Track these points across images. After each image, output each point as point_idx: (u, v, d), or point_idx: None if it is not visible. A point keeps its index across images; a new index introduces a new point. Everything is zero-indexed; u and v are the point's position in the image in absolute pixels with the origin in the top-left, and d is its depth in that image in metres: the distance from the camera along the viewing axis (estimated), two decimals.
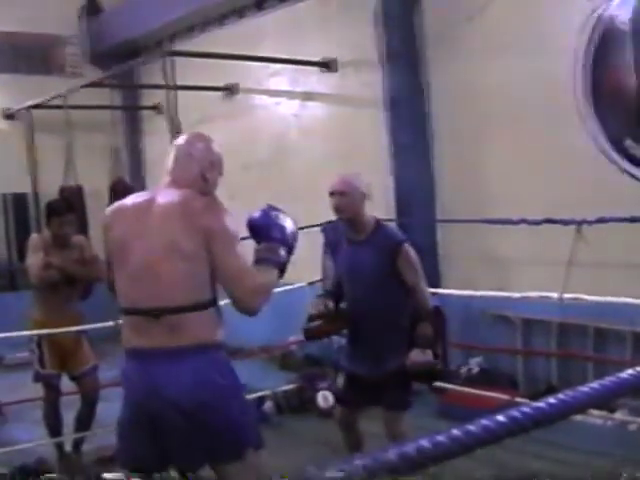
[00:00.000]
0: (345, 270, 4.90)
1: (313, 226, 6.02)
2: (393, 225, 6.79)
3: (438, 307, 4.93)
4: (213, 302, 3.34)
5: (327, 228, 5.10)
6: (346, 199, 4.74)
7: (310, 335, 5.03)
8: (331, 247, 5.08)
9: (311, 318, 4.89)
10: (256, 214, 3.56)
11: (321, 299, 4.93)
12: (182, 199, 3.32)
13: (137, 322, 3.33)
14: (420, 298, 4.75)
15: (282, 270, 3.47)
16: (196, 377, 3.24)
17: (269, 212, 3.57)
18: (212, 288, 3.33)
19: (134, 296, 3.34)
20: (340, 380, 5.13)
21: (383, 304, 4.72)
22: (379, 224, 4.88)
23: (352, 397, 4.98)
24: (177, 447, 3.32)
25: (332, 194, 4.78)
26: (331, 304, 4.85)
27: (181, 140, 3.60)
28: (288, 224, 3.54)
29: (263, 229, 3.49)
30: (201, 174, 3.46)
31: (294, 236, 3.55)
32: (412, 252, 4.79)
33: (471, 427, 1.58)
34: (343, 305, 4.91)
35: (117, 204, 3.57)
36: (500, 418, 1.62)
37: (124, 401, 3.46)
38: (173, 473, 3.47)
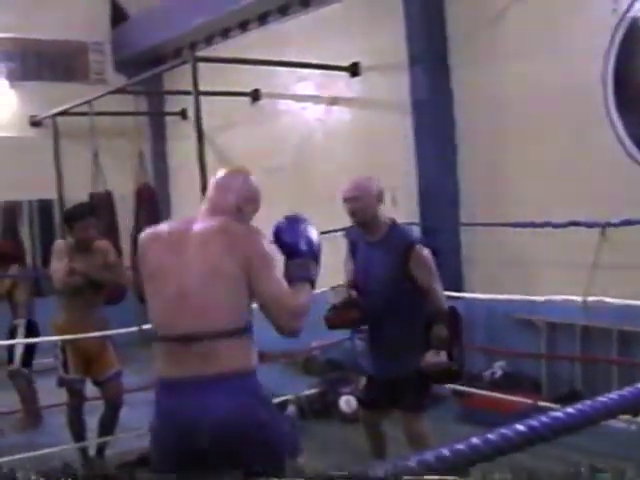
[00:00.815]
0: (361, 271, 4.91)
1: (336, 231, 6.03)
2: (414, 227, 6.79)
3: (453, 308, 4.90)
4: (248, 329, 3.32)
5: (349, 230, 5.10)
6: (360, 203, 4.75)
7: (333, 323, 4.98)
8: (352, 248, 5.08)
9: (334, 307, 4.89)
10: (283, 225, 3.55)
11: (343, 288, 4.93)
12: (221, 224, 3.33)
13: (171, 349, 3.29)
14: (434, 299, 4.74)
15: (313, 284, 3.45)
16: (231, 406, 3.20)
17: (296, 224, 3.56)
18: (248, 314, 3.32)
19: (169, 322, 3.31)
20: (362, 382, 5.16)
21: (397, 305, 4.73)
22: (394, 225, 4.88)
23: (373, 399, 5.00)
24: (215, 476, 3.24)
25: (345, 200, 4.80)
26: (354, 292, 4.86)
27: (221, 172, 3.62)
28: (314, 235, 3.53)
29: (292, 243, 3.47)
30: (237, 205, 3.47)
31: (320, 247, 3.54)
32: (425, 253, 4.78)
33: (491, 436, 1.59)
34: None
35: (153, 229, 3.53)
36: (520, 427, 1.63)
37: (157, 430, 3.39)
38: None
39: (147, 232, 3.52)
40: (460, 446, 1.55)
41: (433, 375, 4.71)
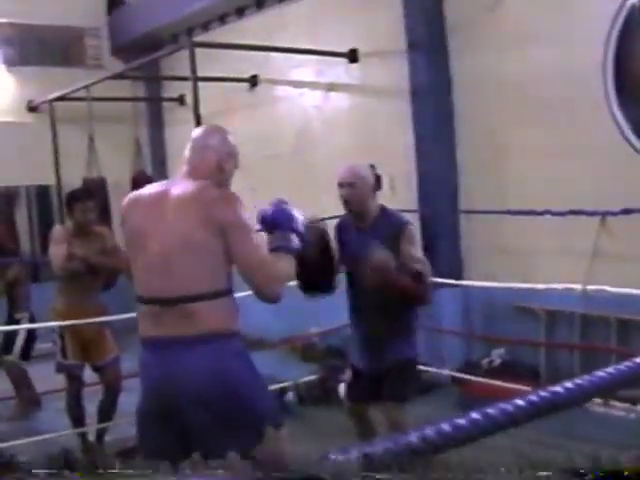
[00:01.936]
0: (350, 258, 4.87)
1: (335, 217, 6.01)
2: (412, 215, 6.76)
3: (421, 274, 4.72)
4: (228, 291, 3.37)
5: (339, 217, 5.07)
6: (355, 190, 4.73)
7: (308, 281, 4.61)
8: (338, 235, 5.02)
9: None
10: (267, 208, 3.60)
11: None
12: (196, 190, 3.37)
13: (153, 311, 3.36)
14: (415, 263, 4.61)
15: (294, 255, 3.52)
16: (212, 365, 3.27)
17: (278, 205, 3.61)
18: (227, 278, 3.37)
19: (150, 285, 3.38)
20: (348, 375, 5.15)
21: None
22: (384, 210, 4.86)
23: (359, 392, 5.00)
24: (197, 435, 3.34)
25: (341, 185, 4.77)
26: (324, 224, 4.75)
27: (198, 132, 3.66)
28: (296, 214, 3.58)
29: (274, 219, 3.53)
30: (217, 165, 3.51)
31: (302, 225, 3.59)
32: (415, 233, 4.82)
33: (490, 410, 1.59)
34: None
35: (133, 194, 3.62)
36: (519, 402, 1.63)
37: (142, 391, 3.48)
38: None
39: (129, 196, 3.61)
40: (461, 421, 1.59)
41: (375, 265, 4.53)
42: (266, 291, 3.37)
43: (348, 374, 5.15)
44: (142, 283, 3.42)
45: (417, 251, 4.72)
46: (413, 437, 1.46)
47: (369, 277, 4.49)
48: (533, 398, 1.65)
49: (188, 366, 3.26)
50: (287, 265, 3.46)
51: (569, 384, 1.73)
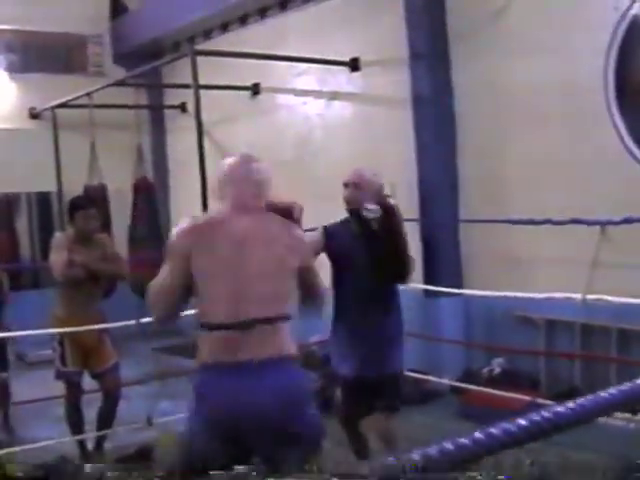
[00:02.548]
0: (345, 261, 4.91)
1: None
2: (413, 224, 6.75)
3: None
4: (291, 314, 3.61)
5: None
6: (358, 191, 4.81)
7: None
8: (327, 239, 5.01)
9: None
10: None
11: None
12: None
13: (230, 336, 3.42)
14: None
15: None
16: (296, 383, 3.51)
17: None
18: (293, 301, 3.67)
19: (231, 311, 3.43)
20: (337, 392, 5.22)
21: (383, 293, 4.86)
22: None
23: (352, 404, 5.09)
24: (263, 453, 3.42)
25: (346, 185, 4.87)
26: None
27: (236, 163, 3.75)
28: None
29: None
30: (263, 195, 3.69)
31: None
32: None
33: (493, 430, 1.59)
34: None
35: (193, 222, 3.60)
36: (522, 422, 1.63)
37: (204, 412, 3.47)
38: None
39: (190, 225, 3.58)
40: (465, 441, 1.57)
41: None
42: (321, 303, 3.92)
43: (337, 392, 5.22)
44: (220, 309, 3.45)
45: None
46: (416, 456, 1.47)
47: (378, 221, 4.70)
48: (535, 418, 1.66)
49: (264, 390, 3.37)
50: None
51: (571, 404, 1.73)
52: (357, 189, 4.82)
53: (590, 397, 1.78)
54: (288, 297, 3.57)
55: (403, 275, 4.87)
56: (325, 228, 5.02)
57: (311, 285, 3.74)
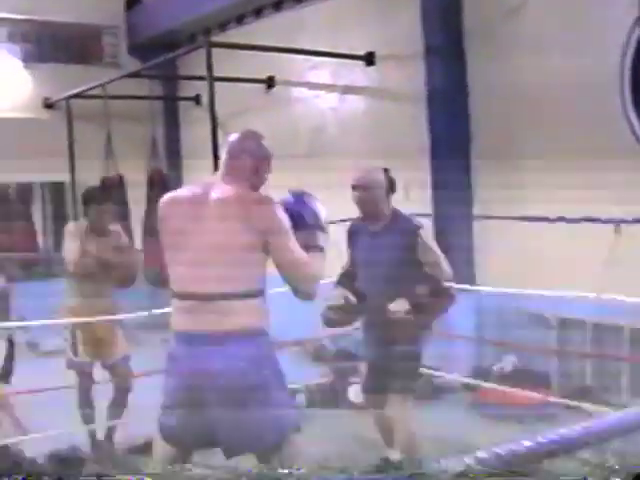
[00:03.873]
0: (363, 260, 4.95)
1: (349, 220, 6.02)
2: (426, 220, 6.74)
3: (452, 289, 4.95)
4: (260, 292, 3.51)
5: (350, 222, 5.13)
6: (368, 194, 4.83)
7: (331, 325, 5.05)
8: (350, 240, 5.10)
9: (331, 308, 4.89)
10: (290, 200, 3.75)
11: (341, 291, 4.94)
12: (236, 194, 3.52)
13: (187, 306, 3.50)
14: (439, 272, 4.81)
15: (323, 252, 3.69)
16: (240, 363, 3.41)
17: (302, 198, 3.79)
18: (260, 279, 3.52)
19: (188, 281, 3.52)
20: (363, 371, 5.26)
21: (399, 289, 4.76)
22: (396, 213, 4.94)
23: (374, 385, 5.09)
24: (220, 430, 3.46)
25: (355, 188, 4.87)
26: (351, 298, 4.86)
27: (234, 136, 3.76)
28: (319, 208, 3.76)
29: (300, 216, 3.66)
30: (253, 169, 3.66)
31: (325, 219, 3.76)
32: (428, 235, 4.93)
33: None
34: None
35: (171, 195, 3.75)
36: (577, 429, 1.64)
37: (170, 382, 3.59)
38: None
39: (167, 197, 3.73)
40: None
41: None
42: (305, 290, 3.56)
43: (363, 371, 5.26)
44: (180, 279, 3.57)
45: (434, 255, 4.82)
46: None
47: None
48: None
49: (217, 362, 3.39)
50: (320, 264, 3.64)
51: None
52: (366, 192, 4.84)
53: None
54: (245, 273, 3.46)
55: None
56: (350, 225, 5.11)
57: (281, 267, 3.51)
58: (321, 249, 3.65)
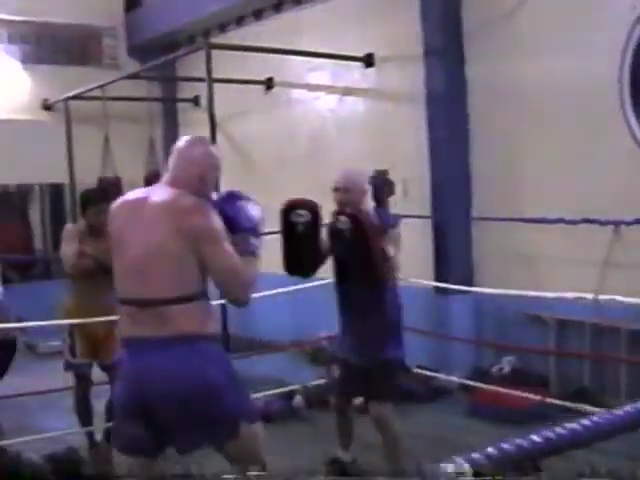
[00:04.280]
0: (341, 259, 5.12)
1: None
2: (426, 221, 6.71)
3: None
4: (199, 295, 3.49)
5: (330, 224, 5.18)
6: (349, 195, 5.00)
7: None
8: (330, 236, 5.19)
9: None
10: (223, 202, 3.68)
11: None
12: (171, 199, 3.49)
13: (130, 312, 3.51)
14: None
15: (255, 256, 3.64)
16: (182, 365, 3.41)
17: (235, 200, 3.70)
18: (200, 283, 3.49)
19: (127, 287, 3.54)
20: (336, 371, 5.54)
21: (368, 291, 4.99)
22: (375, 211, 5.17)
23: (347, 386, 5.30)
24: (170, 432, 3.50)
25: (336, 189, 5.05)
26: None
27: (182, 142, 3.76)
28: (254, 211, 3.68)
29: (233, 219, 3.61)
30: (199, 176, 3.60)
31: (261, 222, 3.69)
32: (398, 236, 5.14)
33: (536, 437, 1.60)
34: None
35: (121, 198, 3.76)
36: (566, 428, 1.64)
37: (119, 386, 3.63)
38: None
39: (117, 201, 3.74)
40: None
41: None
42: (239, 297, 3.57)
43: (336, 371, 5.54)
44: (121, 285, 3.58)
45: (392, 251, 4.99)
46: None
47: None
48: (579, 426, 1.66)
49: (159, 366, 3.40)
50: (254, 269, 3.60)
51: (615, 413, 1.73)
52: (347, 193, 5.00)
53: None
54: (179, 278, 3.41)
55: (374, 280, 4.98)
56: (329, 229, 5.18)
57: (213, 273, 3.48)
58: (253, 254, 3.59)
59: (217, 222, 3.45)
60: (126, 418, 3.55)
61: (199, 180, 3.59)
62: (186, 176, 3.59)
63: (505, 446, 1.54)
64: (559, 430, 1.64)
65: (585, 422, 1.68)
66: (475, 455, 1.50)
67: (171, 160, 3.69)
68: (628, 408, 1.75)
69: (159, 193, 3.55)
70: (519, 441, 1.59)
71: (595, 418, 1.69)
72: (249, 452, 3.62)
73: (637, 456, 4.64)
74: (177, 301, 3.40)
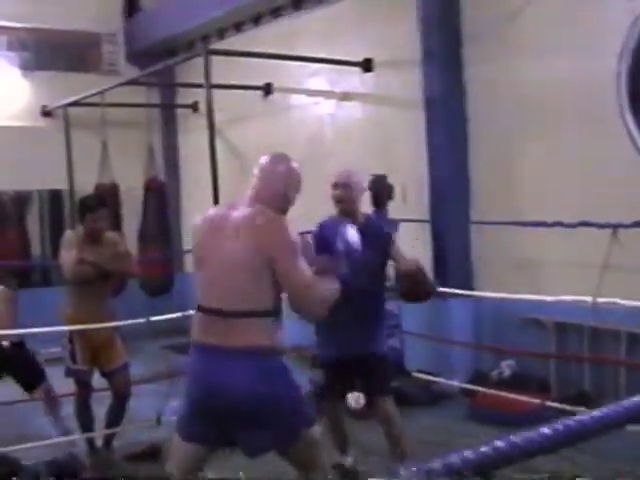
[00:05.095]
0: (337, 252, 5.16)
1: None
2: (424, 225, 6.72)
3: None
4: (271, 312, 3.64)
5: (322, 225, 5.19)
6: (347, 192, 5.12)
7: None
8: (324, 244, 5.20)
9: None
10: (326, 225, 4.15)
11: None
12: (251, 215, 3.66)
13: (207, 320, 3.68)
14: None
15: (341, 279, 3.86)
16: (247, 379, 3.55)
17: (336, 225, 4.08)
18: (274, 299, 3.65)
19: (206, 297, 3.71)
20: (320, 377, 5.61)
21: (370, 290, 5.10)
22: (368, 218, 5.35)
23: (336, 388, 5.41)
24: (237, 436, 3.67)
25: (335, 186, 5.17)
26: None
27: (265, 159, 3.92)
28: (352, 237, 3.98)
29: (329, 241, 3.93)
30: (283, 193, 3.80)
31: (356, 248, 3.98)
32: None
33: (514, 439, 1.59)
34: None
35: (203, 215, 3.90)
36: (545, 430, 1.63)
37: (188, 389, 3.79)
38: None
39: (198, 218, 3.91)
40: (485, 449, 1.54)
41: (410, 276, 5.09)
42: (309, 313, 3.84)
43: (321, 377, 5.58)
44: (203, 294, 3.75)
45: (403, 257, 5.20)
46: (437, 464, 1.47)
47: (402, 280, 5.12)
48: (558, 427, 1.65)
49: (229, 374, 3.56)
50: (331, 290, 3.77)
51: (596, 412, 1.73)
52: (346, 189, 5.12)
53: (613, 406, 1.77)
54: (255, 293, 3.58)
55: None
56: (320, 232, 5.20)
57: (286, 288, 3.65)
58: (338, 276, 3.80)
59: (292, 238, 3.60)
60: (193, 413, 3.73)
61: (281, 197, 3.78)
62: (269, 193, 3.75)
63: (487, 447, 1.54)
64: (538, 431, 1.63)
65: (565, 422, 1.68)
66: (450, 457, 1.49)
67: (254, 177, 3.82)
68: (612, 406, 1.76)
69: (241, 209, 3.70)
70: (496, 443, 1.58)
71: (579, 418, 1.69)
72: (310, 455, 3.82)
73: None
74: (250, 314, 3.57)
